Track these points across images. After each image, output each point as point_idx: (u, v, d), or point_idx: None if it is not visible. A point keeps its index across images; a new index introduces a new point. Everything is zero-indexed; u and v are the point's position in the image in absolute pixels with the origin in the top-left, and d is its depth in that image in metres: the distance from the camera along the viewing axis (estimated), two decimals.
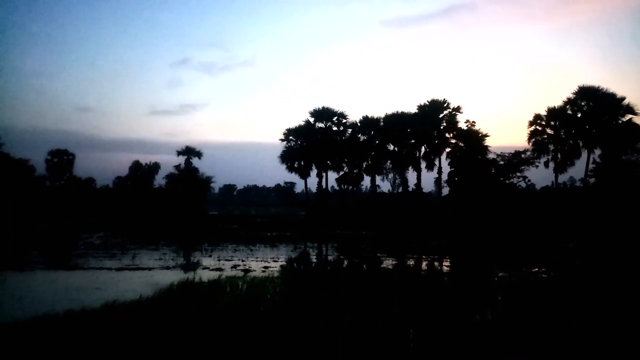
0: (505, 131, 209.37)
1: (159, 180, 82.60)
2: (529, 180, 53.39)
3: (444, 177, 57.74)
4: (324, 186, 67.41)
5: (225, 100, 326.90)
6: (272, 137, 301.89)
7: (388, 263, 22.69)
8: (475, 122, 56.58)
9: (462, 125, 58.43)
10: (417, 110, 61.68)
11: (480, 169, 52.13)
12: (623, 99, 51.83)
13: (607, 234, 36.03)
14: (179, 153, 76.29)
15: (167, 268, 19.78)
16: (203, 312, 10.17)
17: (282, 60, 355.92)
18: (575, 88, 53.94)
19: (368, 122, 64.83)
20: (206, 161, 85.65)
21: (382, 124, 63.93)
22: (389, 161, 65.23)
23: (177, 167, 76.56)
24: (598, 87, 52.82)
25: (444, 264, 23.73)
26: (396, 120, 62.42)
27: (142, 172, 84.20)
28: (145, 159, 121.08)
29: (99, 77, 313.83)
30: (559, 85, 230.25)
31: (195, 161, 76.74)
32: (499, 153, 53.85)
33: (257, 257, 23.58)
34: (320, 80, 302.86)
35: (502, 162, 53.29)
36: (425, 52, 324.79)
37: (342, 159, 65.48)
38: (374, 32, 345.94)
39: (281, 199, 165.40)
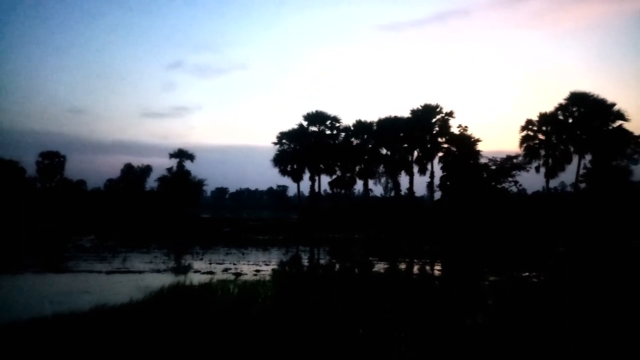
0: (498, 136, 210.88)
1: (151, 183, 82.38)
2: (521, 185, 53.73)
3: (436, 181, 58.09)
4: (316, 190, 67.53)
5: (218, 103, 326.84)
6: (265, 140, 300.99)
7: (380, 267, 22.66)
8: (467, 127, 56.95)
9: (455, 130, 58.91)
10: (410, 115, 62.08)
11: (472, 173, 52.33)
12: (613, 105, 52.57)
13: (597, 239, 36.30)
14: (172, 156, 76.18)
15: (158, 271, 19.66)
16: (194, 316, 10.10)
17: (275, 64, 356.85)
18: (567, 94, 54.62)
19: (361, 126, 65.11)
20: (199, 164, 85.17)
21: (375, 128, 64.27)
22: (381, 165, 65.52)
23: (169, 169, 76.39)
24: (589, 93, 53.58)
25: (435, 268, 23.77)
26: (389, 125, 62.76)
27: (134, 175, 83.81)
28: (137, 161, 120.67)
29: (92, 79, 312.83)
30: (551, 91, 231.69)
31: (187, 164, 76.79)
32: (491, 158, 54.18)
33: (248, 261, 23.50)
34: (314, 83, 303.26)
35: (493, 167, 53.56)
36: (419, 56, 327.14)
37: (335, 163, 65.62)
38: (368, 36, 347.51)
39: (273, 202, 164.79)
